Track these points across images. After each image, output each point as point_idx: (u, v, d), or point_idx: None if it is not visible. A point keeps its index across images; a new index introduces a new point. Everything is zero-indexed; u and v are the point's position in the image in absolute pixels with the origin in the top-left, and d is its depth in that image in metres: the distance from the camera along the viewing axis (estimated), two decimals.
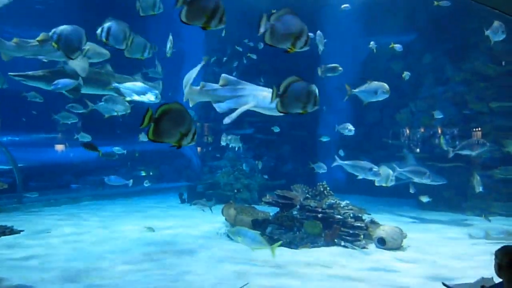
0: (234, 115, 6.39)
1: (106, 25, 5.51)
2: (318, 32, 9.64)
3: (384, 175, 8.14)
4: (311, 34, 5.90)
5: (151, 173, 19.60)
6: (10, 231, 6.79)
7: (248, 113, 7.00)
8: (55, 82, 7.69)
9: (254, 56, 15.78)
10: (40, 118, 16.56)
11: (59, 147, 20.92)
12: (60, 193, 16.20)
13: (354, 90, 7.28)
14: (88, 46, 7.82)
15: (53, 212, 13.38)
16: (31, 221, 11.60)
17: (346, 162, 8.26)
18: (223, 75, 6.65)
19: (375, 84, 7.15)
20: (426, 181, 10.00)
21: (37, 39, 7.79)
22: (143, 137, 14.15)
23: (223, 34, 15.97)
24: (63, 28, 5.37)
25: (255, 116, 6.69)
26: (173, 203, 15.78)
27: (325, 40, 9.84)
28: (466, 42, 14.51)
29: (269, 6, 13.74)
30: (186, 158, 22.05)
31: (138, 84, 8.26)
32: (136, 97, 8.07)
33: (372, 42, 12.16)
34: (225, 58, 18.10)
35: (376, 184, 8.32)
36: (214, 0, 3.86)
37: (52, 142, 20.73)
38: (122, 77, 9.04)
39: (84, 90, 8.60)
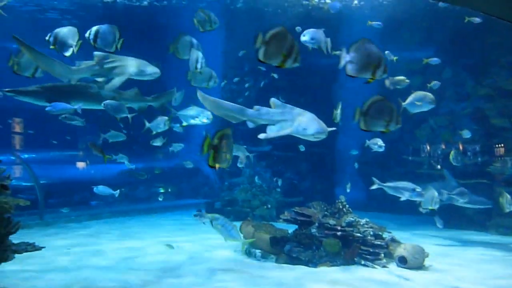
0: (271, 135, 6.40)
1: (95, 27, 5.68)
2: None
3: (430, 197, 7.92)
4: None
5: (169, 190, 19.75)
6: (32, 247, 6.91)
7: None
8: (52, 104, 7.39)
9: (276, 76, 15.94)
10: (63, 136, 16.94)
11: (80, 164, 21.32)
12: (81, 209, 16.45)
13: (404, 103, 7.17)
14: (134, 62, 7.75)
15: (74, 228, 13.54)
16: (51, 237, 11.75)
17: (386, 184, 8.00)
18: (272, 99, 6.63)
19: (420, 94, 7.09)
20: (469, 204, 9.71)
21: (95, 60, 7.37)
22: (188, 164, 14.57)
23: (240, 54, 16.23)
24: (57, 30, 5.84)
25: None
26: (191, 220, 15.76)
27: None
28: (486, 57, 14.33)
29: (291, 23, 13.94)
30: (204, 175, 22.13)
31: (193, 109, 8.50)
32: (192, 121, 8.31)
33: (387, 52, 11.99)
34: (236, 78, 18.21)
35: (422, 206, 8.11)
36: (290, 40, 4.04)
37: (74, 159, 21.15)
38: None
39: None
